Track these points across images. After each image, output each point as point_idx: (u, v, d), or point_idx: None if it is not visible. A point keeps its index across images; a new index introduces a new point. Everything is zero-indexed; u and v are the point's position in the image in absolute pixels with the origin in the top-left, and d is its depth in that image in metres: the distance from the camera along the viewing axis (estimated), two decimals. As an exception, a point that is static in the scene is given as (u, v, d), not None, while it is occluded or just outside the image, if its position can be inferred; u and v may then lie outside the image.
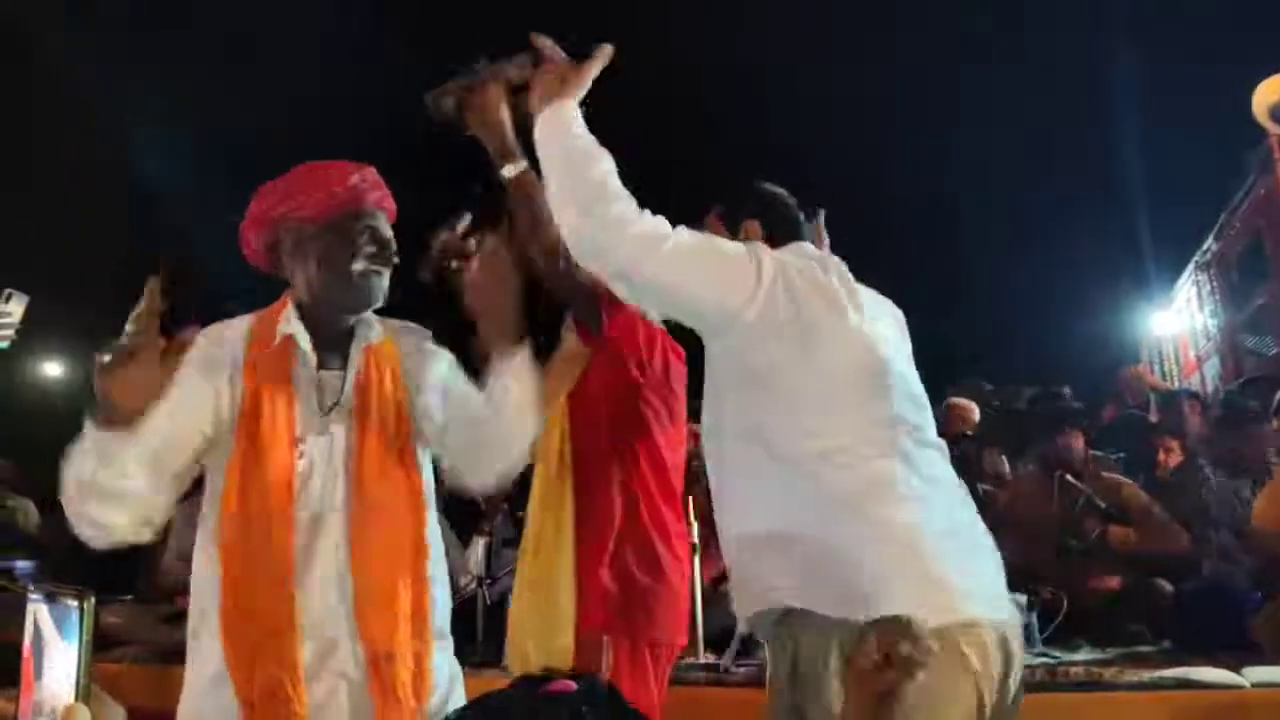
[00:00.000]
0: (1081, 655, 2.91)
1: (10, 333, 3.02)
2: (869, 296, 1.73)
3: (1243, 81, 6.48)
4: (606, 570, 1.91)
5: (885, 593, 1.39)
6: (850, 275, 1.69)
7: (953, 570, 1.46)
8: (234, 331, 1.63)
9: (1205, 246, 8.08)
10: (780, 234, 1.82)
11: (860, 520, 1.48)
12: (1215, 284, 7.97)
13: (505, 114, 1.79)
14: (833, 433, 1.54)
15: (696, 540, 3.07)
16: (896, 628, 1.16)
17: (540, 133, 1.62)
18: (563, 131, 1.60)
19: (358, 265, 1.62)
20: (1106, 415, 5.80)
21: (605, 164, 1.58)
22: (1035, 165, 12.40)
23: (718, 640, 3.12)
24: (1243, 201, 7.23)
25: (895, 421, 1.58)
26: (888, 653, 1.14)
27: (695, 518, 3.09)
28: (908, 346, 1.78)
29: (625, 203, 1.56)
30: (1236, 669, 2.42)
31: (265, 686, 1.48)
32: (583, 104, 1.64)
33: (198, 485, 4.90)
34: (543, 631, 1.93)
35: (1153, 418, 5.46)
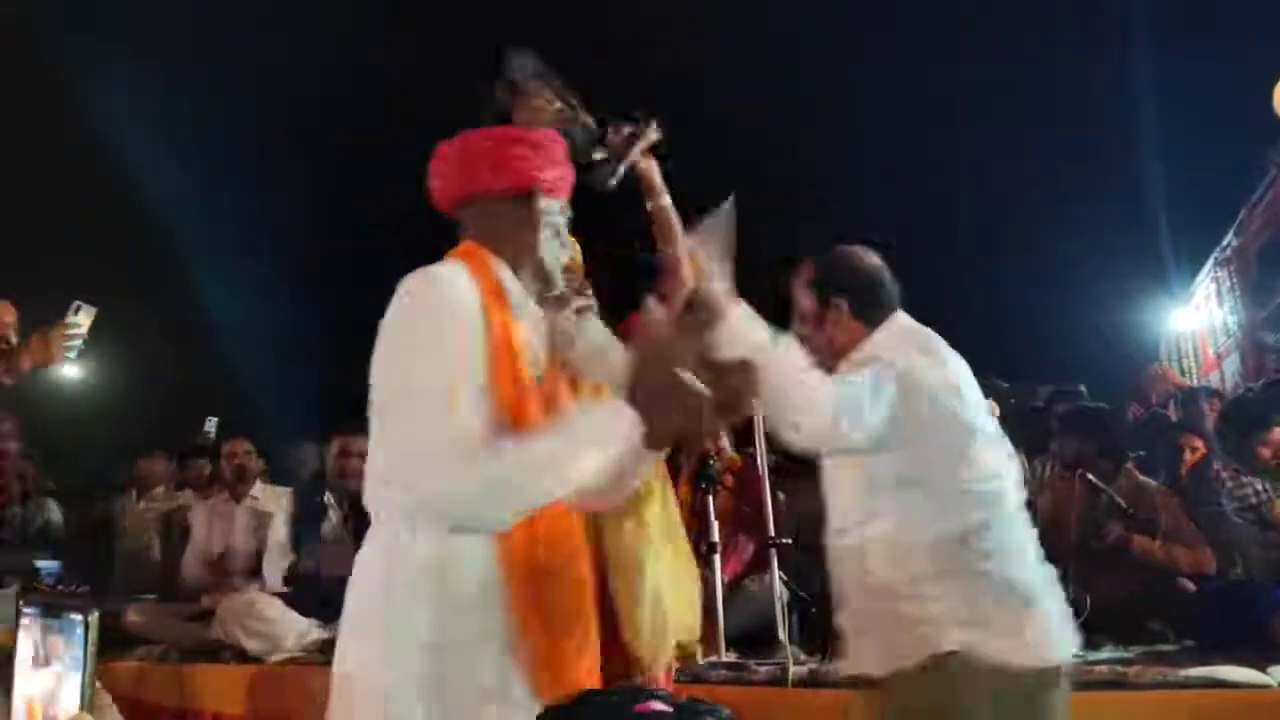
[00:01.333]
0: (1104, 654, 2.90)
1: (79, 343, 3.13)
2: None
3: (1263, 77, 6.44)
4: None
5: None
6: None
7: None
8: (460, 279, 1.50)
9: (1225, 242, 8.03)
10: (870, 313, 2.01)
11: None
12: (1235, 280, 7.92)
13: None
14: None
15: (716, 540, 3.09)
16: None
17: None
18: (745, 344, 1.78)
19: (564, 254, 1.65)
20: (1131, 414, 5.76)
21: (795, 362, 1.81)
22: (1055, 161, 12.37)
23: (738, 639, 3.12)
24: (1263, 197, 7.19)
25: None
26: None
27: (715, 518, 3.11)
28: None
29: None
30: (1262, 668, 2.40)
31: None
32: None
33: (211, 482, 4.92)
34: None
35: (1173, 416, 5.44)
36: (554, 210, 1.61)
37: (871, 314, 2.02)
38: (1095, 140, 12.04)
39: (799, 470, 4.53)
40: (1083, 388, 6.10)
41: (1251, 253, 7.41)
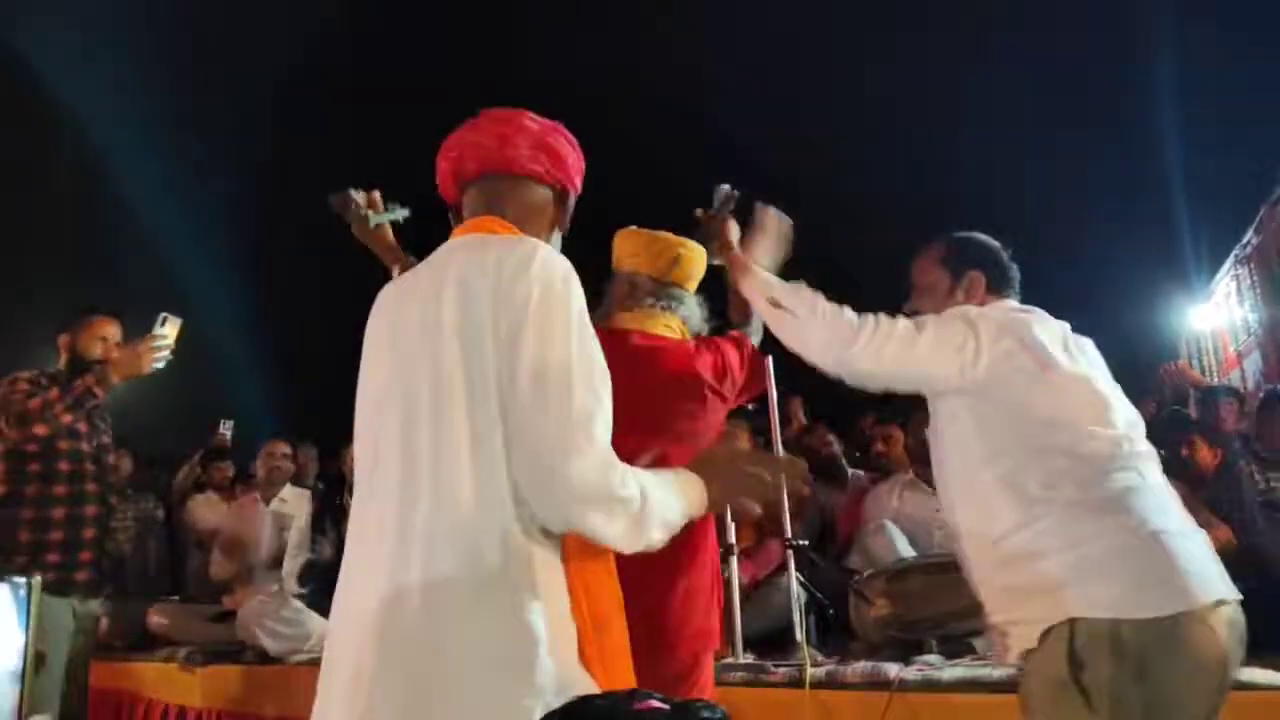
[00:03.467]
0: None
1: (167, 354, 3.24)
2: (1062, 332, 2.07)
3: (1282, 74, 6.38)
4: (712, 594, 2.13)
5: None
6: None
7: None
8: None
9: (1245, 240, 7.98)
10: (1001, 288, 2.16)
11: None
12: (1255, 278, 7.87)
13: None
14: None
15: (734, 542, 3.09)
16: None
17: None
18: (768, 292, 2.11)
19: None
20: (1148, 413, 5.73)
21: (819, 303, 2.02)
22: (1074, 161, 12.30)
23: (755, 641, 3.13)
24: (1283, 194, 7.13)
25: None
26: None
27: (733, 520, 3.11)
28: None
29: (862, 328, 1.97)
30: (1282, 669, 2.39)
31: None
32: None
33: (234, 483, 4.96)
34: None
35: (1193, 414, 5.40)
36: (569, 210, 1.63)
37: (1002, 289, 2.16)
38: (1115, 139, 11.97)
39: (822, 473, 4.57)
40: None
41: (1272, 250, 7.36)
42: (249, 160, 13.45)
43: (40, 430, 3.26)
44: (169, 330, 3.31)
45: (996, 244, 2.23)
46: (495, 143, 1.55)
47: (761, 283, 2.16)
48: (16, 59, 11.82)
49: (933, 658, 2.81)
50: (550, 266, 1.35)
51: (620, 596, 1.38)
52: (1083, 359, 2.02)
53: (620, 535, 1.28)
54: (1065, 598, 1.75)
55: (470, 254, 1.40)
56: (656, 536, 1.33)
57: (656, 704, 0.94)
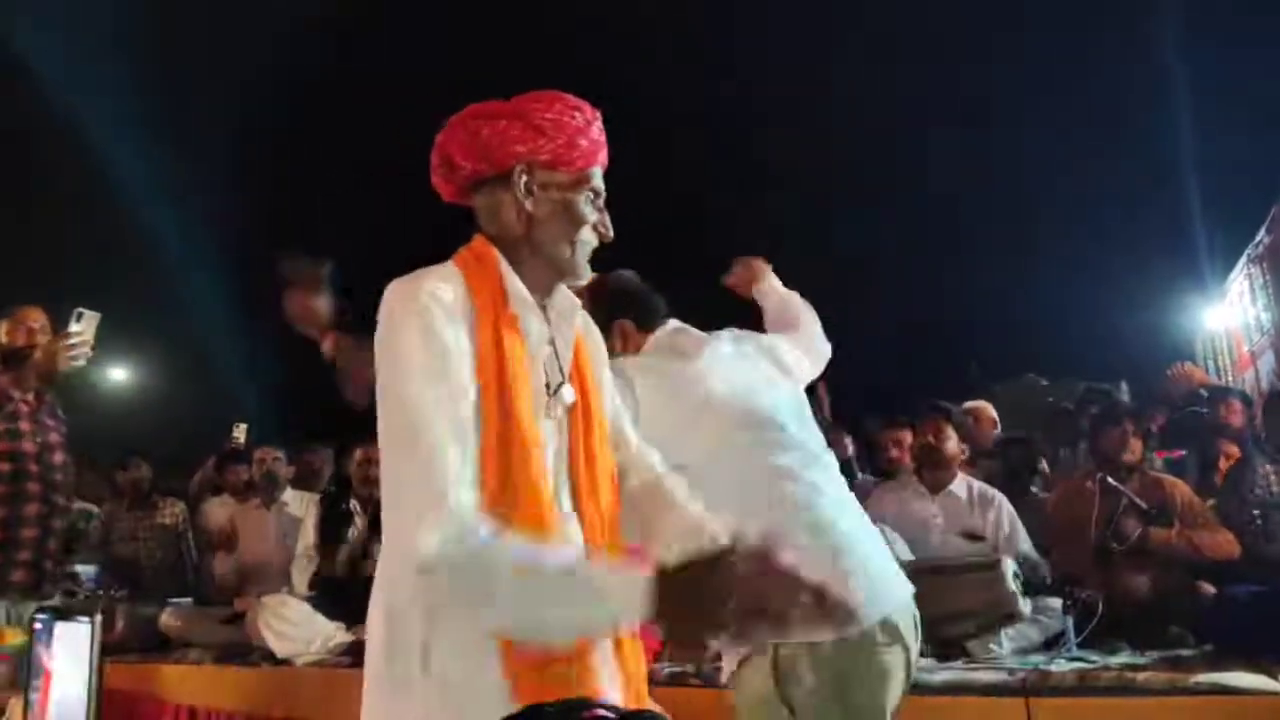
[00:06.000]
0: (1119, 659, 2.89)
1: (85, 350, 3.15)
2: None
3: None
4: None
5: None
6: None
7: None
8: (449, 289, 1.32)
9: (1257, 239, 7.91)
10: (650, 323, 2.12)
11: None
12: (1268, 277, 7.80)
13: None
14: None
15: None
16: None
17: None
18: None
19: (586, 233, 1.44)
20: (1161, 418, 5.70)
21: None
22: (1088, 160, 12.26)
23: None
24: (1295, 193, 7.07)
25: None
26: None
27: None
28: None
29: None
30: (1275, 674, 2.39)
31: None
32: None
33: (248, 487, 5.02)
34: None
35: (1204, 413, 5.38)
36: (565, 184, 1.41)
37: (652, 323, 2.13)
38: (1129, 140, 11.92)
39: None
40: (1123, 384, 6.06)
41: (1286, 249, 7.31)
42: (255, 161, 13.56)
43: None
44: (85, 325, 3.15)
45: (630, 276, 2.16)
46: (437, 181, 1.48)
47: None
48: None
49: (925, 661, 2.83)
50: (383, 307, 1.30)
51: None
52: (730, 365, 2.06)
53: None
54: None
55: None
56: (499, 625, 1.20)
57: (604, 711, 0.96)
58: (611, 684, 1.32)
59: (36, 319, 3.49)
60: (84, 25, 12.32)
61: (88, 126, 12.91)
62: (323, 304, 2.11)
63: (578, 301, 1.49)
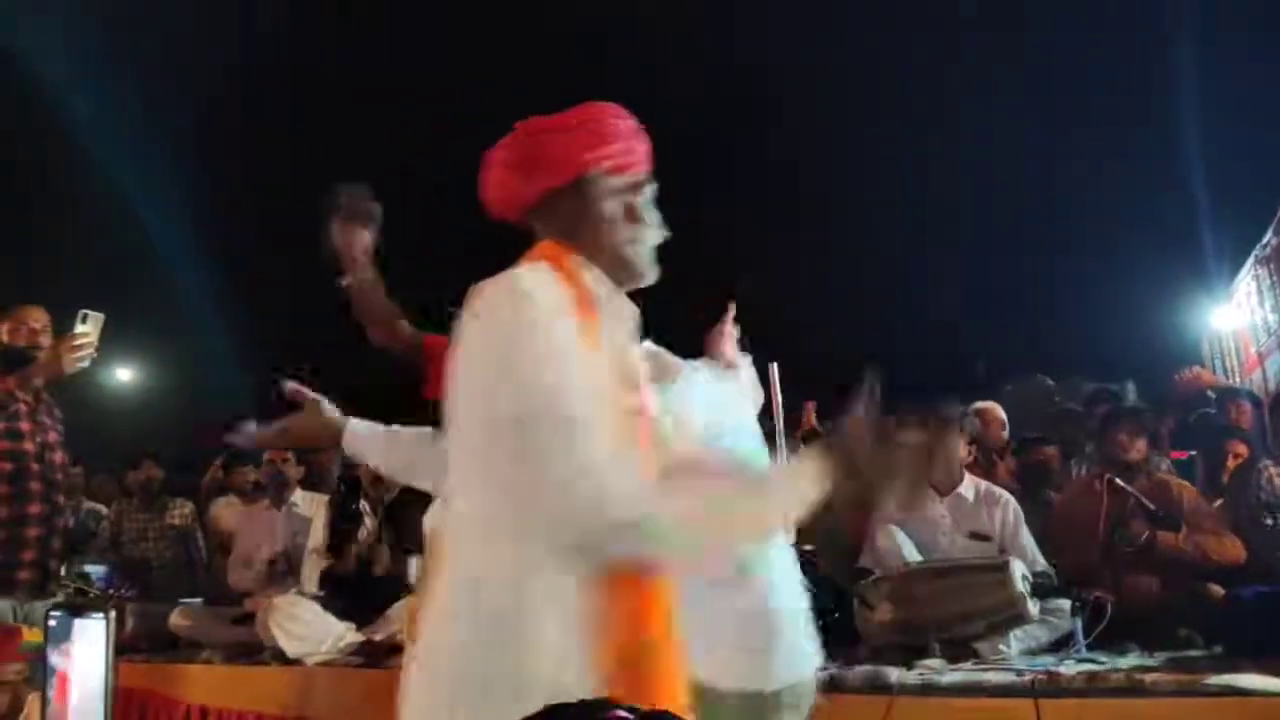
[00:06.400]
0: (1128, 660, 2.90)
1: (90, 351, 3.16)
2: None
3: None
4: None
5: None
6: None
7: None
8: (554, 287, 1.34)
9: (1265, 240, 7.89)
10: None
11: None
12: (1276, 278, 7.79)
13: None
14: None
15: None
16: None
17: None
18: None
19: (651, 233, 1.48)
20: (1168, 419, 5.69)
21: None
22: (1095, 160, 12.23)
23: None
24: (1304, 194, 7.05)
25: None
26: None
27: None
28: None
29: None
30: (1287, 675, 2.39)
31: None
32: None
33: (258, 488, 5.04)
34: None
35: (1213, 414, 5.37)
36: (622, 189, 1.46)
37: None
38: (1136, 139, 11.88)
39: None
40: (1130, 385, 6.04)
41: (1294, 250, 7.30)
42: (260, 161, 13.61)
43: None
44: (90, 327, 3.17)
45: None
46: (494, 194, 1.51)
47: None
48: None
49: (934, 662, 2.84)
50: (486, 305, 1.30)
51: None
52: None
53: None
54: None
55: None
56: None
57: (624, 713, 0.97)
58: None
59: (38, 319, 3.50)
60: (84, 25, 12.35)
61: (93, 125, 12.97)
62: (366, 238, 2.24)
63: (635, 307, 1.51)
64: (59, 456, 3.51)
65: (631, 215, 1.46)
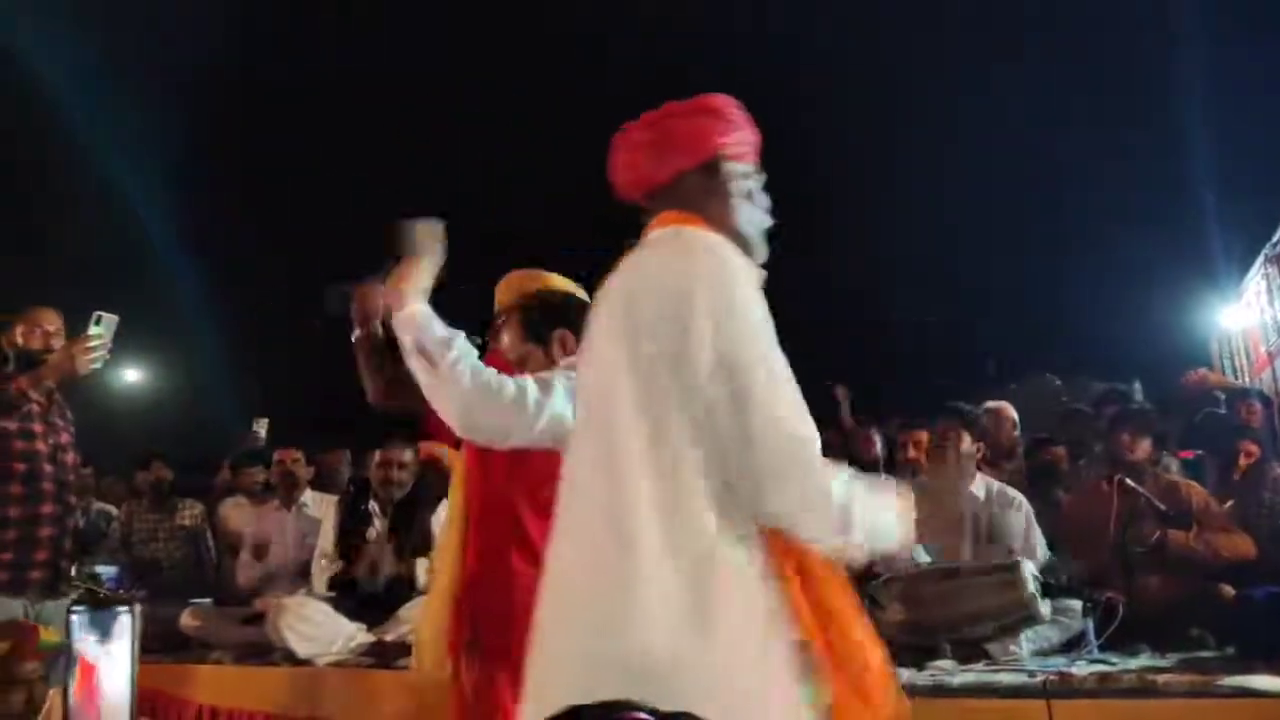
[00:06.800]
0: (1140, 660, 2.90)
1: (103, 353, 3.20)
2: None
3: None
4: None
5: None
6: None
7: None
8: (738, 256, 1.44)
9: (1275, 239, 7.86)
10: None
11: None
12: (1286, 278, 7.75)
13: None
14: None
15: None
16: None
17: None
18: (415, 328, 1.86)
19: (766, 217, 1.58)
20: (1176, 419, 5.68)
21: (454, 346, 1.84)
22: (1103, 159, 12.19)
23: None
24: (1314, 192, 7.02)
25: None
26: None
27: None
28: None
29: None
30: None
31: None
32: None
33: (265, 488, 5.04)
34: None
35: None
36: (742, 174, 1.56)
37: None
38: (1145, 138, 11.85)
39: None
40: (1136, 384, 6.03)
41: (1304, 249, 7.27)
42: (266, 162, 13.64)
43: None
44: (104, 329, 3.22)
45: (573, 288, 2.24)
46: (626, 175, 1.59)
47: (412, 322, 1.92)
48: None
49: (945, 663, 2.84)
50: (695, 250, 1.39)
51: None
52: None
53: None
54: None
55: (637, 255, 1.45)
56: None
57: (642, 715, 0.98)
58: None
59: (52, 322, 3.53)
60: (84, 24, 12.38)
61: (98, 125, 13.00)
62: (380, 300, 2.17)
63: None
64: (71, 457, 3.54)
65: (753, 199, 1.56)
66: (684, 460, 1.26)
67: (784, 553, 1.29)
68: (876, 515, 1.35)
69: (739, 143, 1.56)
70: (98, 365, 3.24)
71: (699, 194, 1.52)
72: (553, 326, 2.17)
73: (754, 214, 1.56)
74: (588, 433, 1.40)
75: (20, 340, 3.48)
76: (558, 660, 1.26)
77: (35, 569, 3.32)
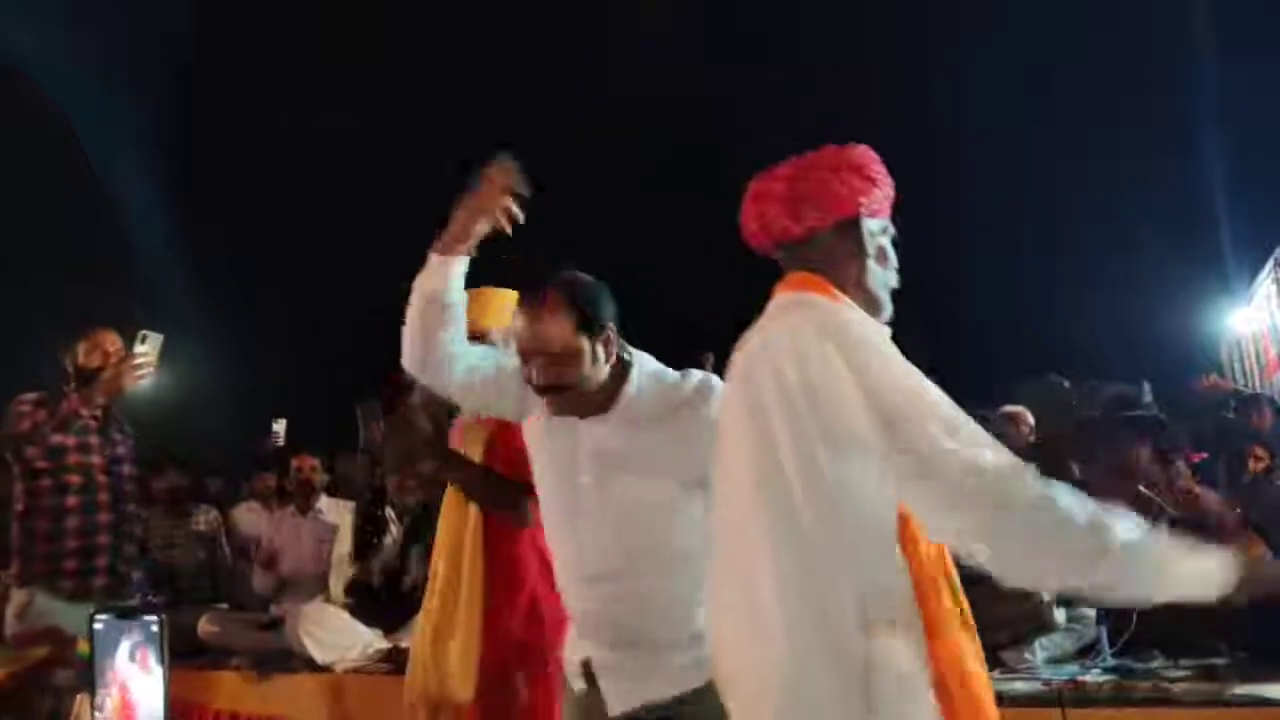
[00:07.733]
0: (1154, 668, 2.90)
1: (149, 370, 3.39)
2: None
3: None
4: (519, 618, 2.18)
5: None
6: None
7: None
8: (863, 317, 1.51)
9: (1285, 242, 7.86)
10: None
11: None
12: (1296, 281, 7.74)
13: None
14: None
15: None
16: None
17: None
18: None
19: (894, 276, 1.59)
20: (1186, 423, 5.68)
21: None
22: (1113, 162, 12.16)
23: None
24: (1324, 196, 7.01)
25: None
26: None
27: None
28: None
29: None
30: (1312, 684, 2.40)
31: None
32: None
33: (280, 493, 5.09)
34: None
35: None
36: (877, 232, 1.56)
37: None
38: (1154, 141, 11.82)
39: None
40: (1146, 386, 6.02)
41: (1314, 253, 7.26)
42: (274, 164, 13.68)
43: (33, 453, 3.47)
44: (149, 347, 3.43)
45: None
46: (757, 224, 1.56)
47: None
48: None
49: (960, 670, 2.84)
50: (828, 330, 1.39)
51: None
52: None
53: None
54: None
55: (770, 327, 1.46)
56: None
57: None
58: None
59: (113, 343, 3.79)
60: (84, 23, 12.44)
61: (104, 129, 13.06)
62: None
63: None
64: (127, 469, 3.78)
65: (883, 258, 1.55)
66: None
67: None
68: (1172, 559, 1.32)
69: (876, 200, 1.54)
70: (144, 381, 3.48)
71: (832, 254, 1.52)
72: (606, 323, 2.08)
73: (884, 274, 1.56)
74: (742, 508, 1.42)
75: (82, 359, 3.70)
76: None
77: (98, 575, 3.52)
